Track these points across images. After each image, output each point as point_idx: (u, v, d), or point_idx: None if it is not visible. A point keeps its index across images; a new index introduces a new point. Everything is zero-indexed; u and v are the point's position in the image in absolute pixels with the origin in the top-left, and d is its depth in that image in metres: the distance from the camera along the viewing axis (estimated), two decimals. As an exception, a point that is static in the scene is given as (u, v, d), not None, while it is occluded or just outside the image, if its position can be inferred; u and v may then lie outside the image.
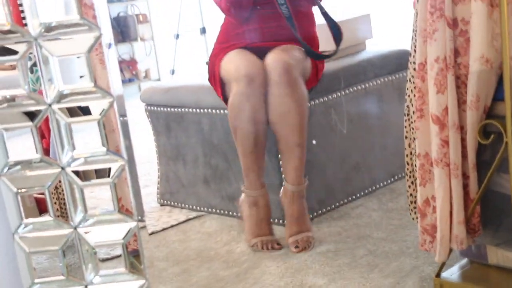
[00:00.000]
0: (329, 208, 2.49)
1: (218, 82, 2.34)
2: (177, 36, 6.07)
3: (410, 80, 1.70)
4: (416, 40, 1.62)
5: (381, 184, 2.70)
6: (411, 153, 1.74)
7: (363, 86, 2.61)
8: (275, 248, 2.21)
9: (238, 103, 2.19)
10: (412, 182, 1.75)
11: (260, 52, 2.27)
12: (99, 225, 1.15)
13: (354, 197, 2.60)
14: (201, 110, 2.63)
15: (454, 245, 1.54)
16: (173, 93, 2.72)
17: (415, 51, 1.65)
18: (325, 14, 2.40)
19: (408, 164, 1.75)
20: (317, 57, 2.34)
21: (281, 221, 2.41)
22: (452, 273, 1.67)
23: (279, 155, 2.32)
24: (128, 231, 1.20)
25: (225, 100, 2.31)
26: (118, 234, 1.23)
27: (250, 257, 2.17)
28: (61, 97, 1.03)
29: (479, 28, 1.44)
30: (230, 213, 2.64)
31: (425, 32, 1.55)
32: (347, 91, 2.55)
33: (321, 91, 2.46)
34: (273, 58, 2.18)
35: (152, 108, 2.84)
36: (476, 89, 1.47)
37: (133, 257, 1.45)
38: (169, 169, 2.87)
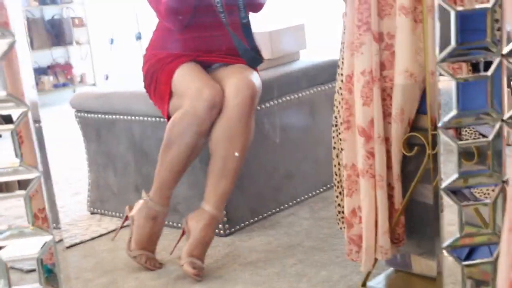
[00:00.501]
0: (260, 216, 2.49)
1: (167, 95, 2.22)
2: (112, 41, 5.99)
3: (338, 92, 1.71)
4: (344, 52, 1.64)
5: (313, 193, 2.72)
6: (338, 164, 1.76)
7: (296, 96, 2.62)
8: (156, 266, 2.17)
9: (187, 123, 2.10)
10: (340, 192, 1.77)
11: (207, 67, 2.25)
12: (13, 239, 1.11)
13: (286, 205, 2.61)
14: (133, 117, 2.58)
15: (379, 255, 1.56)
16: (104, 100, 2.67)
17: (343, 63, 1.67)
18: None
19: (336, 174, 1.77)
20: (258, 63, 2.30)
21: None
22: (378, 282, 1.69)
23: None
24: (44, 245, 1.16)
25: (168, 113, 2.22)
26: (33, 248, 1.19)
27: (180, 267, 2.14)
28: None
29: (403, 43, 1.46)
30: (162, 222, 2.60)
31: (352, 45, 1.57)
32: (280, 101, 2.56)
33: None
34: (237, 86, 2.12)
35: (82, 114, 2.78)
36: (400, 102, 1.50)
37: (54, 268, 1.41)
38: (100, 176, 2.82)
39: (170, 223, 2.56)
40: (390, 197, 1.57)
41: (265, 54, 2.69)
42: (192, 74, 2.19)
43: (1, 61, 0.95)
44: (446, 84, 1.22)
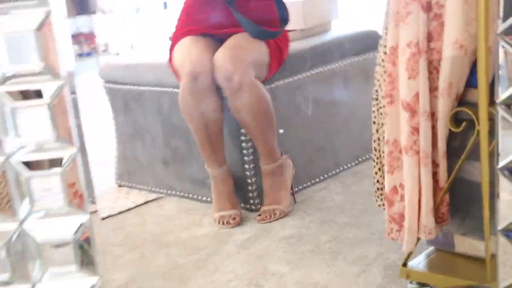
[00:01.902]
0: (291, 191, 2.43)
1: (174, 68, 2.31)
2: (138, 9, 5.91)
3: (380, 64, 1.64)
4: (388, 23, 1.56)
5: (345, 167, 2.65)
6: (378, 139, 1.69)
7: (329, 67, 2.54)
8: (230, 223, 2.20)
9: (182, 98, 2.21)
10: (379, 169, 1.70)
11: (216, 40, 2.25)
12: (47, 218, 1.07)
13: (317, 179, 2.55)
14: (161, 89, 2.53)
15: (422, 235, 1.50)
16: (132, 70, 2.62)
17: (386, 33, 1.59)
18: None
19: (375, 150, 1.70)
20: (267, 36, 2.25)
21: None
22: (418, 262, 1.63)
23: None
24: (80, 226, 1.11)
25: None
26: (69, 229, 1.15)
27: (211, 242, 2.10)
28: (5, 78, 0.93)
29: (454, 13, 1.38)
30: (190, 195, 2.56)
31: (397, 15, 1.48)
32: (313, 72, 2.48)
33: (285, 72, 2.39)
34: (218, 62, 2.13)
35: (110, 85, 2.73)
36: (449, 75, 1.42)
37: (87, 244, 1.36)
38: (127, 148, 2.77)
39: (199, 197, 2.52)
40: (435, 174, 1.50)
41: (297, 24, 2.61)
42: (185, 49, 2.22)
43: (38, 31, 0.89)
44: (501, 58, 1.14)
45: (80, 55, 6.11)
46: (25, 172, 1.05)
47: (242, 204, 2.36)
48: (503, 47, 1.02)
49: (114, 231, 2.32)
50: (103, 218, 2.49)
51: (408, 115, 1.47)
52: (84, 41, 6.14)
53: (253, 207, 2.34)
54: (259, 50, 2.21)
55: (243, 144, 2.31)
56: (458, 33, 1.39)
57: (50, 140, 1.06)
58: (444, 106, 1.45)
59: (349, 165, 2.67)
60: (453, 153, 1.53)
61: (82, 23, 6.20)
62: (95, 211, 2.55)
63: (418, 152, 1.47)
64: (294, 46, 2.48)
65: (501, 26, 1.04)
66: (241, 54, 2.14)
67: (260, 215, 2.21)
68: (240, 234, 2.14)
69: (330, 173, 2.59)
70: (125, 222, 2.39)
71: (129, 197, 2.71)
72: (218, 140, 2.26)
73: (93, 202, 2.65)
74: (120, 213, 2.53)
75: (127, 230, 2.30)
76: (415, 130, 1.47)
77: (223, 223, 2.20)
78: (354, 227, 2.06)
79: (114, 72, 2.69)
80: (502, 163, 1.09)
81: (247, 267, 1.88)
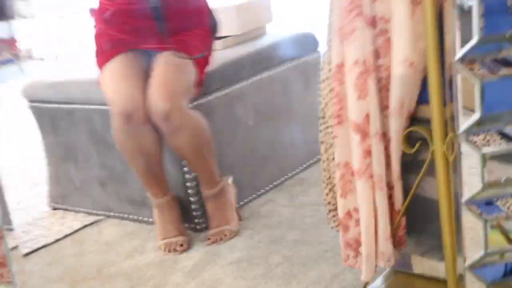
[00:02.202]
0: (237, 205, 2.33)
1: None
2: (61, 17, 5.63)
3: (324, 81, 1.55)
4: (330, 39, 1.47)
5: (290, 174, 2.57)
6: (327, 159, 1.60)
7: (268, 74, 2.45)
8: (177, 250, 2.10)
9: (117, 137, 2.09)
10: (330, 189, 1.62)
11: (144, 57, 2.13)
12: None
13: (262, 190, 2.46)
14: (92, 107, 2.37)
15: (381, 262, 1.43)
16: (60, 89, 2.45)
17: (329, 50, 1.50)
18: None
19: (325, 170, 1.61)
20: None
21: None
22: (377, 286, 1.56)
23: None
24: None
25: None
26: None
27: (157, 272, 1.98)
28: None
29: (401, 30, 1.30)
30: (131, 216, 2.43)
31: (342, 31, 1.40)
32: (251, 81, 2.38)
33: (223, 82, 2.28)
34: (152, 103, 1.98)
35: (36, 104, 2.55)
36: (399, 95, 1.34)
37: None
38: (59, 170, 2.61)
39: (140, 217, 2.39)
40: (389, 197, 1.43)
41: (232, 29, 2.51)
42: (115, 81, 2.09)
43: None
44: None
45: (1, 63, 5.81)
46: None
47: (187, 224, 2.25)
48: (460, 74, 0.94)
49: (51, 265, 2.16)
50: (34, 251, 2.31)
51: (359, 137, 1.39)
52: (5, 47, 5.84)
53: (198, 227, 2.24)
54: (188, 73, 2.07)
55: (185, 169, 2.20)
56: (407, 50, 1.31)
57: None
58: (396, 126, 1.37)
59: (293, 172, 2.59)
60: (405, 169, 1.46)
61: (0, 29, 5.89)
62: (15, 247, 2.37)
63: (371, 176, 1.40)
64: (231, 53, 2.37)
65: (458, 54, 0.96)
66: (174, 88, 2.00)
67: (209, 238, 2.11)
68: (186, 259, 2.03)
69: (275, 182, 2.50)
70: (63, 253, 2.24)
71: (65, 222, 2.55)
72: (158, 171, 2.15)
73: (10, 229, 2.46)
74: (56, 240, 2.38)
75: (66, 263, 2.15)
76: (367, 153, 1.39)
77: (169, 251, 2.09)
78: (305, 245, 1.98)
79: (39, 91, 2.52)
80: (465, 197, 1.02)
81: (197, 301, 1.77)
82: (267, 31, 2.67)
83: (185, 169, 2.20)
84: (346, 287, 1.70)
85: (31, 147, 3.39)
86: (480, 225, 1.06)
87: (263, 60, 2.43)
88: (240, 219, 2.23)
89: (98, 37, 2.21)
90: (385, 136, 1.41)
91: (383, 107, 1.39)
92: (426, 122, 1.38)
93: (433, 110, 1.30)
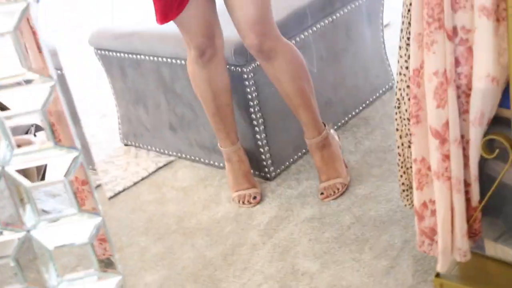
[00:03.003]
0: (304, 151, 2.42)
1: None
2: None
3: (400, 73, 1.57)
4: (406, 40, 1.49)
5: (353, 113, 2.62)
6: (402, 145, 1.66)
7: (330, 19, 2.43)
8: (250, 202, 2.21)
9: (191, 71, 2.14)
10: (404, 172, 1.69)
11: None
12: (58, 225, 1.08)
13: (327, 131, 2.53)
14: (160, 59, 2.43)
15: (457, 257, 1.52)
16: (126, 40, 2.50)
17: (406, 49, 1.51)
18: None
19: (400, 155, 1.68)
20: None
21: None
22: (450, 268, 1.66)
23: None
24: (94, 228, 1.11)
25: None
26: (82, 233, 1.15)
27: (233, 228, 2.12)
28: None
29: (485, 46, 1.30)
30: (202, 160, 2.55)
31: (419, 36, 1.41)
32: (315, 28, 2.38)
33: (288, 34, 2.28)
34: (242, 33, 1.97)
35: (103, 52, 2.62)
36: (481, 106, 1.37)
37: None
38: (130, 112, 2.72)
39: (211, 162, 2.51)
40: (466, 193, 1.50)
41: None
42: (190, 16, 2.00)
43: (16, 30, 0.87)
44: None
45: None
46: (26, 183, 1.04)
47: (257, 172, 2.36)
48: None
49: (134, 212, 2.33)
50: (116, 194, 2.48)
51: (438, 142, 1.44)
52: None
53: (268, 176, 2.34)
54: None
55: (253, 116, 2.27)
56: (490, 66, 1.32)
57: (49, 145, 1.05)
58: (476, 134, 1.42)
59: (357, 110, 2.64)
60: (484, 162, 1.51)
61: None
62: (99, 185, 2.52)
63: (449, 178, 1.46)
64: (291, 2, 2.35)
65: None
66: (262, 16, 1.95)
67: (322, 193, 2.16)
68: (260, 214, 2.16)
69: (339, 123, 2.56)
70: (143, 199, 2.40)
71: (139, 162, 2.69)
72: (227, 114, 2.20)
73: (93, 169, 2.61)
74: (135, 184, 2.54)
75: (148, 212, 2.32)
76: (446, 157, 1.45)
77: (243, 203, 2.22)
78: (374, 201, 2.08)
79: (106, 41, 2.57)
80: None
81: (275, 265, 1.91)
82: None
83: (254, 116, 2.27)
84: (417, 255, 1.81)
85: (92, 80, 3.48)
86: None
87: (326, 6, 2.40)
88: (346, 166, 2.25)
89: None
90: (463, 139, 1.45)
91: (462, 112, 1.43)
92: (506, 124, 1.42)
93: (514, 123, 1.33)
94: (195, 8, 1.97)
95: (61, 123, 1.11)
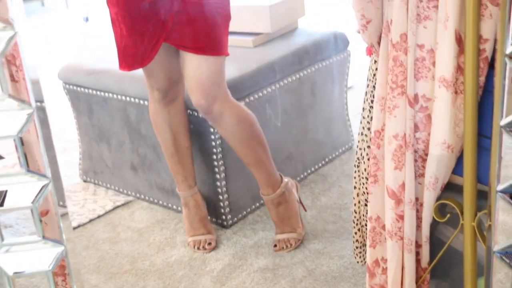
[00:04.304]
0: (262, 201, 2.46)
1: None
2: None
3: (362, 133, 1.64)
4: (370, 101, 1.56)
5: (312, 169, 2.69)
6: (359, 202, 1.72)
7: (297, 76, 2.52)
8: (205, 248, 2.23)
9: (153, 111, 2.21)
10: (358, 229, 1.74)
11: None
12: (19, 252, 1.08)
13: (285, 184, 2.58)
14: (127, 99, 2.47)
15: (404, 315, 1.57)
16: (96, 77, 2.53)
17: (369, 111, 1.59)
18: None
19: (355, 212, 1.73)
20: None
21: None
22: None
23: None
24: (56, 256, 1.12)
25: None
26: (43, 261, 1.15)
27: (186, 272, 2.13)
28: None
29: (443, 115, 1.38)
30: (160, 202, 2.57)
31: (383, 100, 1.48)
32: (282, 83, 2.46)
33: (256, 86, 2.35)
34: (191, 97, 2.02)
35: (71, 87, 2.64)
36: (435, 172, 1.44)
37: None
38: (92, 148, 2.73)
39: (169, 205, 2.53)
40: (417, 254, 1.55)
41: (264, 28, 2.56)
42: (155, 63, 2.05)
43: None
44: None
45: None
46: None
47: (214, 219, 2.39)
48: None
49: (87, 249, 2.32)
50: (74, 228, 2.48)
51: (394, 202, 1.50)
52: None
53: (225, 223, 2.37)
54: (219, 62, 2.00)
55: (215, 162, 2.31)
56: (446, 134, 1.40)
57: (20, 172, 1.06)
58: (429, 198, 1.48)
59: (316, 166, 2.70)
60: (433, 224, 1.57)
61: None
62: (66, 214, 2.52)
63: (402, 238, 1.52)
64: (262, 56, 2.43)
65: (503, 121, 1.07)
66: (212, 79, 1.99)
67: (275, 245, 2.19)
68: (214, 261, 2.18)
69: (298, 178, 2.62)
70: (97, 237, 2.39)
71: (97, 199, 2.70)
72: (185, 159, 2.25)
73: (64, 206, 2.61)
74: (90, 221, 2.53)
75: (101, 251, 2.31)
76: (400, 217, 1.50)
77: (197, 248, 2.23)
78: (327, 257, 2.12)
79: (75, 76, 2.59)
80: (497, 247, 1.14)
81: (227, 312, 1.93)
82: (299, 25, 2.72)
83: (215, 162, 2.31)
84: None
85: (57, 113, 3.50)
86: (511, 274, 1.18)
87: (294, 63, 2.49)
88: (304, 209, 2.31)
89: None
90: (417, 201, 1.52)
91: (418, 175, 1.50)
92: (458, 191, 1.49)
93: (466, 190, 1.40)
94: (163, 55, 2.04)
95: (33, 151, 1.13)
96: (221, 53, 1.98)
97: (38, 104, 1.12)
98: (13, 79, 1.14)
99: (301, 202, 2.30)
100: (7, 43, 0.95)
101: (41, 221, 1.10)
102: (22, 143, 1.04)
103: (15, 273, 1.10)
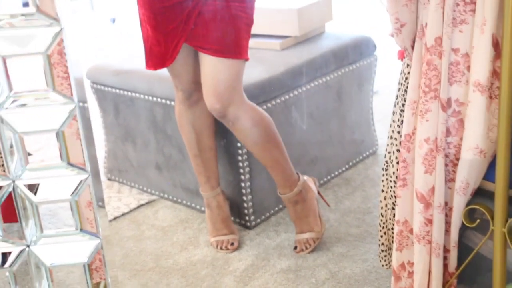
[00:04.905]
0: (284, 206, 2.47)
1: None
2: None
3: (391, 137, 1.65)
4: (401, 105, 1.57)
5: (336, 173, 2.69)
6: (386, 206, 1.72)
7: (324, 80, 2.52)
8: (228, 248, 2.24)
9: (178, 112, 2.23)
10: (384, 233, 1.75)
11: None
12: (57, 243, 1.10)
13: (309, 187, 2.58)
14: (154, 99, 2.49)
15: (430, 319, 1.57)
16: (124, 77, 2.56)
17: (400, 114, 1.59)
18: None
19: (382, 215, 1.74)
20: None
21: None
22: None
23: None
24: (92, 250, 1.14)
25: None
26: (80, 253, 1.18)
27: (209, 271, 2.14)
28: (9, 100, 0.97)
29: (477, 120, 1.38)
30: (184, 202, 2.58)
31: (414, 104, 1.49)
32: (308, 86, 2.47)
33: (282, 89, 2.36)
34: (206, 100, 2.05)
35: (99, 87, 2.67)
36: (466, 176, 1.44)
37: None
38: (117, 147, 2.76)
39: (193, 205, 2.55)
40: (444, 259, 1.55)
41: (292, 31, 2.57)
42: (178, 63, 2.08)
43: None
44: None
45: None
46: (32, 197, 1.06)
47: (237, 220, 2.40)
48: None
49: (112, 247, 2.34)
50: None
51: (423, 206, 1.50)
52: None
53: (248, 224, 2.38)
54: (237, 66, 2.00)
55: (240, 163, 2.32)
56: (479, 139, 1.40)
57: (61, 165, 1.08)
58: (459, 202, 1.48)
59: (340, 170, 2.71)
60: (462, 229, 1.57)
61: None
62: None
63: (430, 242, 1.52)
64: (289, 59, 2.44)
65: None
66: (229, 84, 2.00)
67: (296, 247, 2.20)
68: (237, 261, 2.18)
69: (322, 181, 2.62)
70: (122, 235, 2.41)
71: (121, 197, 2.72)
72: (208, 159, 2.26)
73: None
74: (115, 218, 2.55)
75: (126, 248, 2.33)
76: (429, 221, 1.51)
77: (220, 248, 2.25)
78: (350, 261, 2.12)
79: (103, 77, 2.62)
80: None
81: (250, 312, 1.94)
82: (326, 29, 2.73)
83: (240, 163, 2.32)
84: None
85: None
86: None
87: (321, 67, 2.50)
88: (327, 205, 2.34)
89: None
90: (446, 205, 1.52)
91: (448, 179, 1.50)
92: (489, 196, 1.49)
93: (498, 195, 1.40)
94: (186, 56, 2.06)
95: (72, 145, 1.15)
96: (240, 57, 1.99)
97: (81, 104, 1.14)
98: (57, 74, 1.17)
99: (321, 196, 2.30)
100: (53, 38, 0.97)
101: (79, 214, 1.12)
102: (63, 138, 1.06)
103: (52, 264, 1.12)
